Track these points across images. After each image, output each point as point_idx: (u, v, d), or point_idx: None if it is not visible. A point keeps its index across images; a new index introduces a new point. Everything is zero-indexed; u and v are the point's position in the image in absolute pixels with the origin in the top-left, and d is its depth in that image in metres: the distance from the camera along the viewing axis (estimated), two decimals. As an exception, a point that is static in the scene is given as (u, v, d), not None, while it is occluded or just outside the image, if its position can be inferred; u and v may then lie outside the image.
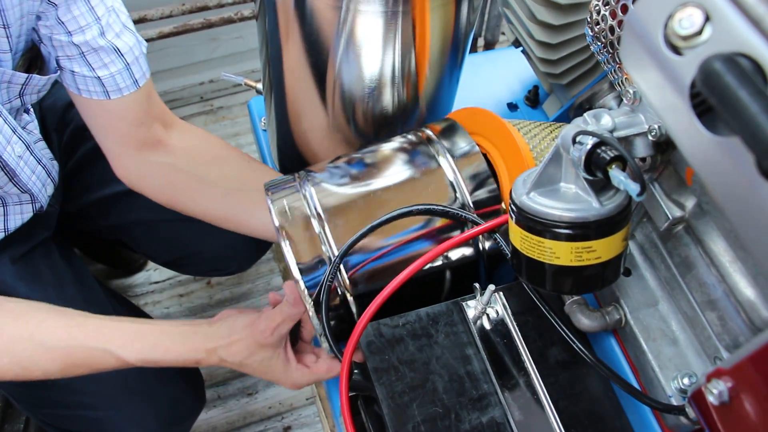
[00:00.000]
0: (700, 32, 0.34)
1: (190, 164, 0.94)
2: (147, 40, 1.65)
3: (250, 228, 0.95)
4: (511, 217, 0.59)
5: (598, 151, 0.51)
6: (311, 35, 0.81)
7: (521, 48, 1.16)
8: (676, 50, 0.35)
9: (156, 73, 1.90)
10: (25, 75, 0.79)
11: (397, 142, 0.82)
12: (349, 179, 0.77)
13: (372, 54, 0.80)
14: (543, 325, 0.72)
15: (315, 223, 0.73)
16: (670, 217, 0.60)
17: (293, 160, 1.03)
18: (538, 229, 0.55)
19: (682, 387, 0.63)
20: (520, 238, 0.58)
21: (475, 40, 1.91)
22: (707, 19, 0.34)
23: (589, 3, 0.91)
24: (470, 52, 0.97)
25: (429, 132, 0.81)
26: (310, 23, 0.79)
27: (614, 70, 0.71)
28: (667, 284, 0.66)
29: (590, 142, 0.51)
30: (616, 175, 0.49)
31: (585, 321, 0.67)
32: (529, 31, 1.00)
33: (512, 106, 1.24)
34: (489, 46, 1.81)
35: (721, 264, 0.58)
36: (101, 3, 0.77)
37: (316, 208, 0.74)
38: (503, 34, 1.94)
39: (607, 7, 0.67)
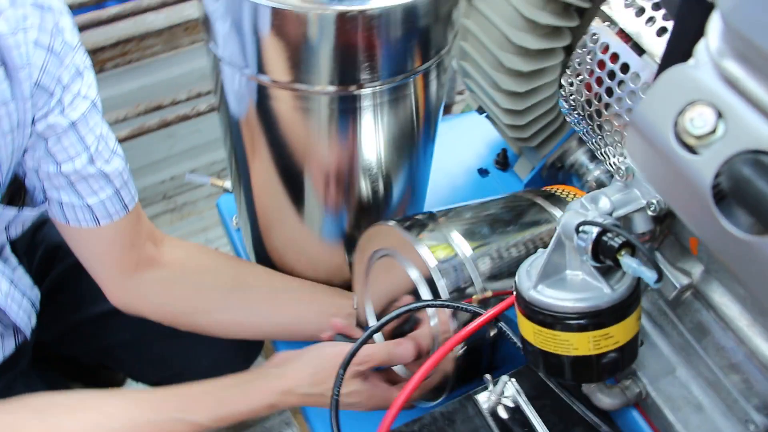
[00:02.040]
0: (713, 130, 0.33)
1: (185, 275, 0.92)
2: (103, 147, 1.65)
3: (249, 328, 0.93)
4: (520, 311, 0.57)
5: (605, 239, 0.49)
6: (278, 139, 0.79)
7: (486, 113, 1.17)
8: (690, 149, 0.34)
9: (115, 177, 1.87)
10: (15, 209, 0.76)
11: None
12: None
13: (348, 152, 0.79)
14: (561, 407, 0.69)
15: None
16: (678, 286, 0.59)
17: (273, 263, 1.01)
18: (552, 322, 0.54)
19: (718, 457, 0.60)
20: (532, 333, 0.56)
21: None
22: (719, 116, 0.33)
23: (554, 65, 0.93)
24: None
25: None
26: (276, 127, 0.78)
27: (595, 141, 0.71)
28: (681, 350, 0.65)
29: (595, 230, 0.50)
30: (628, 263, 0.48)
31: (606, 400, 0.64)
32: (494, 99, 1.00)
33: (483, 172, 1.23)
34: (447, 108, 1.82)
35: (738, 328, 0.57)
36: (91, 132, 0.75)
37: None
38: (459, 93, 1.95)
39: (579, 79, 0.67)
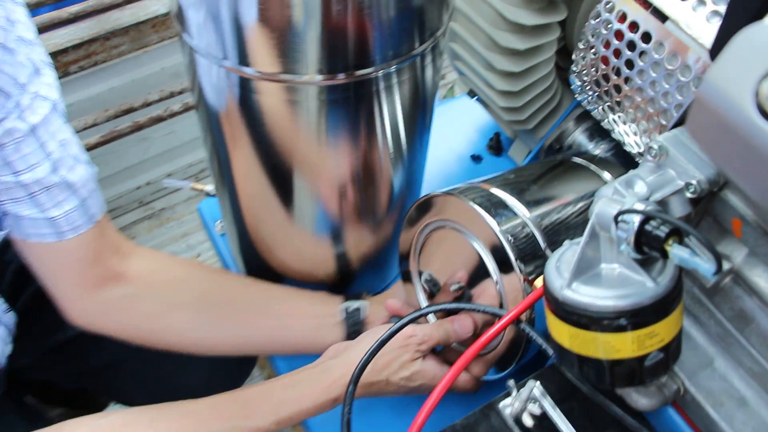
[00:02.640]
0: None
1: (153, 291, 0.84)
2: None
3: (225, 345, 0.87)
4: (552, 312, 0.51)
5: (649, 228, 0.44)
6: (263, 136, 0.73)
7: (477, 97, 1.11)
8: (775, 121, 0.29)
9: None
10: None
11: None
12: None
13: (341, 146, 0.73)
14: (591, 409, 0.64)
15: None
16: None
17: (263, 269, 0.95)
18: (591, 324, 0.48)
19: (769, 455, 0.56)
20: (568, 336, 0.50)
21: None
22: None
23: (550, 41, 0.87)
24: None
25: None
26: (261, 123, 0.71)
27: (612, 120, 0.65)
28: (720, 340, 0.60)
29: (637, 219, 0.44)
30: (680, 253, 0.42)
31: (643, 400, 0.59)
32: (488, 81, 0.94)
33: (476, 158, 1.18)
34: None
35: (789, 315, 0.52)
36: (52, 137, 0.67)
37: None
38: (442, 77, 1.90)
39: (593, 52, 0.61)
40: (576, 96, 0.68)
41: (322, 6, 0.60)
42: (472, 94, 1.11)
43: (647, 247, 0.44)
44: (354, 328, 0.85)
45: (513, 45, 0.86)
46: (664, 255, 0.43)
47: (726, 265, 0.54)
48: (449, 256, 0.79)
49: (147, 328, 0.85)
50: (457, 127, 1.23)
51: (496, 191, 0.77)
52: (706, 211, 0.53)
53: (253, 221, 0.88)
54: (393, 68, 0.68)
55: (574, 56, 0.64)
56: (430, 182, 1.07)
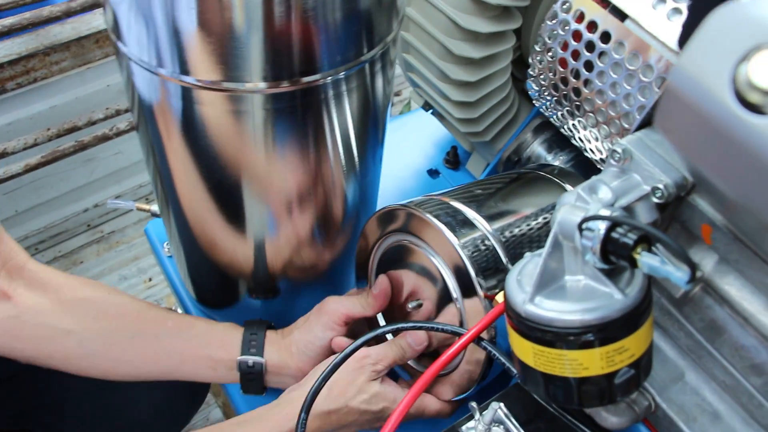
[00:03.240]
0: (790, 83, 0.25)
1: (37, 315, 0.78)
2: (11, 177, 1.49)
3: (114, 374, 0.80)
4: (514, 329, 0.48)
5: (615, 235, 0.41)
6: (206, 150, 0.68)
7: (432, 110, 1.08)
8: (755, 108, 0.26)
9: (30, 209, 1.71)
10: None
11: None
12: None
13: (289, 158, 0.69)
14: (558, 429, 0.61)
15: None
16: (688, 282, 0.51)
17: (218, 292, 0.90)
18: (556, 341, 0.45)
19: (744, 471, 0.53)
20: (532, 353, 0.47)
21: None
22: (796, 63, 0.25)
23: (506, 49, 0.85)
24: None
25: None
26: (204, 136, 0.67)
27: (571, 126, 0.62)
28: (691, 352, 0.57)
29: (603, 226, 0.41)
30: (650, 262, 0.39)
31: (613, 419, 0.56)
32: (443, 92, 0.91)
33: (433, 173, 1.15)
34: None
35: (762, 324, 0.49)
36: None
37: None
38: (396, 95, 1.88)
39: (550, 55, 0.59)
40: (534, 103, 0.65)
41: (264, 9, 0.56)
42: (427, 106, 1.08)
43: (614, 256, 0.41)
44: (251, 383, 0.79)
45: (468, 54, 0.84)
46: (633, 264, 0.40)
47: (696, 274, 0.51)
48: (406, 272, 0.75)
49: (31, 355, 0.78)
50: (413, 142, 1.20)
51: (455, 204, 0.74)
52: (674, 217, 0.50)
53: (200, 241, 0.83)
54: (341, 75, 0.64)
55: (530, 60, 0.61)
56: (386, 197, 1.03)
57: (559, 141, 0.96)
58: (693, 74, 0.28)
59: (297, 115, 0.66)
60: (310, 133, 0.68)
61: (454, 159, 1.15)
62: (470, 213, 0.72)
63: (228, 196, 0.74)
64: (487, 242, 0.69)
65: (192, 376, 0.79)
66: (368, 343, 0.62)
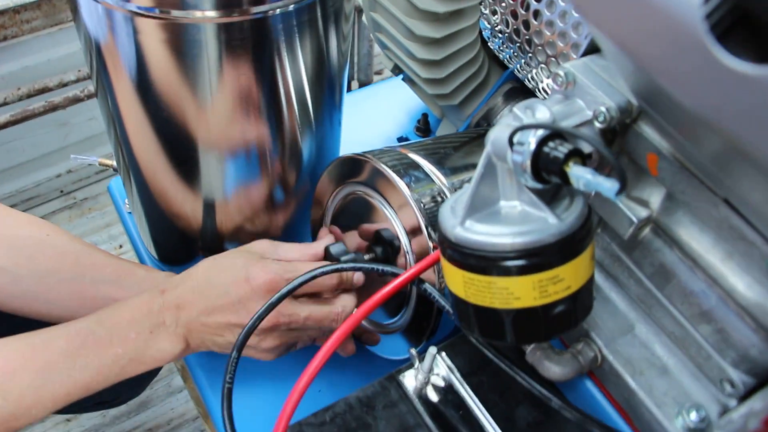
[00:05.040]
0: None
1: None
2: (-19, 134, 1.46)
3: (50, 315, 0.76)
4: (445, 257, 0.45)
5: (547, 149, 0.38)
6: (150, 85, 0.65)
7: (402, 75, 1.06)
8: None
9: (1, 172, 1.68)
10: None
11: None
12: None
13: (240, 99, 0.66)
14: (502, 382, 0.58)
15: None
16: (635, 221, 0.48)
17: (176, 248, 0.87)
18: (485, 266, 0.42)
19: (691, 426, 0.50)
20: (462, 283, 0.44)
21: (348, 82, 1.81)
22: None
23: (472, 5, 0.82)
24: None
25: None
26: (146, 70, 0.64)
27: (523, 64, 0.60)
28: (641, 302, 0.54)
29: (533, 139, 0.38)
30: (580, 174, 0.36)
31: (555, 369, 0.53)
32: (409, 51, 0.88)
33: (403, 140, 1.12)
34: (364, 86, 1.71)
35: (710, 265, 0.47)
36: None
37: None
38: (377, 73, 1.85)
39: (502, -11, 0.56)
40: (489, 44, 0.62)
41: None
42: (397, 70, 1.05)
43: (546, 173, 0.38)
44: None
45: (432, 8, 0.81)
46: (565, 179, 0.37)
47: (643, 213, 0.48)
48: (360, 224, 0.73)
49: None
50: (384, 110, 1.17)
51: (414, 156, 0.71)
52: (621, 149, 0.48)
53: (153, 193, 0.80)
54: (291, 7, 0.61)
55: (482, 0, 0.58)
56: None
57: (531, 107, 0.94)
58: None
59: (248, 50, 0.63)
60: (261, 72, 0.66)
61: (425, 126, 1.12)
62: (426, 165, 0.70)
63: (177, 141, 0.71)
64: (441, 195, 0.66)
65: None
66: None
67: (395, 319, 0.71)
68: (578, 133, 0.37)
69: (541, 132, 0.38)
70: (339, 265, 0.57)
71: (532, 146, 0.38)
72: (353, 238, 0.73)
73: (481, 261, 0.42)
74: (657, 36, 0.26)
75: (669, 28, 0.26)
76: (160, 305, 0.64)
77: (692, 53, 0.26)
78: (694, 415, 0.50)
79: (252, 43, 0.63)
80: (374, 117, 1.16)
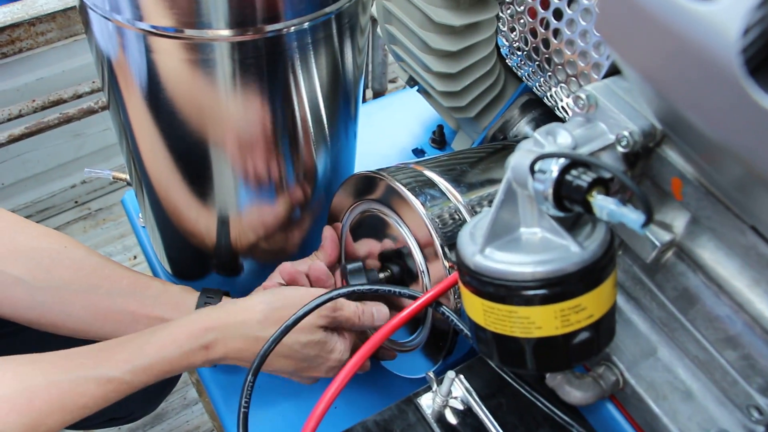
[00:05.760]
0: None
1: None
2: (-5, 147, 1.46)
3: (66, 328, 0.76)
4: (464, 285, 0.44)
5: (570, 177, 0.37)
6: (168, 106, 0.65)
7: (417, 87, 1.05)
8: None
9: (16, 183, 1.69)
10: None
11: None
12: None
13: (255, 115, 0.66)
14: (521, 405, 0.57)
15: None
16: (658, 245, 0.47)
17: (190, 264, 0.86)
18: (506, 295, 0.41)
19: (716, 453, 0.49)
20: (482, 311, 0.43)
21: (363, 92, 1.81)
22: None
23: (488, 18, 0.81)
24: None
25: None
26: (162, 89, 0.64)
27: (542, 82, 0.59)
28: (664, 325, 0.53)
29: (556, 167, 0.37)
30: (604, 204, 0.35)
31: (577, 393, 0.52)
32: (425, 64, 0.88)
33: (418, 152, 1.12)
34: (378, 96, 1.70)
35: (737, 291, 0.46)
36: None
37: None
38: (392, 81, 1.84)
39: (520, 7, 0.55)
40: (506, 60, 0.62)
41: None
42: (412, 82, 1.05)
43: (569, 201, 0.38)
44: None
45: (449, 21, 0.80)
46: (588, 209, 0.37)
47: (666, 237, 0.47)
48: (375, 242, 0.72)
49: None
50: (399, 121, 1.17)
51: (429, 173, 0.70)
52: (644, 173, 0.47)
53: (166, 208, 0.79)
54: (306, 25, 0.61)
55: (500, 13, 0.57)
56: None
57: (547, 119, 0.92)
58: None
59: (262, 69, 0.63)
60: (276, 89, 0.65)
61: (440, 138, 1.12)
62: (442, 182, 0.69)
63: (190, 159, 0.71)
64: (457, 214, 0.65)
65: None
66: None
67: (412, 337, 0.70)
68: (601, 164, 0.36)
69: (563, 160, 0.37)
70: (355, 287, 0.56)
71: (555, 174, 0.37)
72: (368, 256, 0.73)
73: (501, 290, 0.41)
74: (687, 67, 0.26)
75: (701, 60, 0.25)
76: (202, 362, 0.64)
77: (724, 88, 0.25)
78: (719, 442, 0.49)
79: (266, 62, 0.62)
80: (389, 128, 1.15)
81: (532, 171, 0.38)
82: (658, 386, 0.53)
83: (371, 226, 0.72)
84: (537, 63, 0.56)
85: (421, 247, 0.65)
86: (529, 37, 0.55)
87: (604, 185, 0.37)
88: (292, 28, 0.60)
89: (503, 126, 0.98)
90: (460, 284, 0.45)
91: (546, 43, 0.53)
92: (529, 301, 0.40)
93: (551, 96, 0.59)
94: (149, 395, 1.00)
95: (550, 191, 0.38)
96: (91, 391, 0.61)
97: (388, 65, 1.75)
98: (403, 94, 1.21)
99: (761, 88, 0.23)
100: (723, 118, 0.27)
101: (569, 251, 0.40)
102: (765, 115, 0.24)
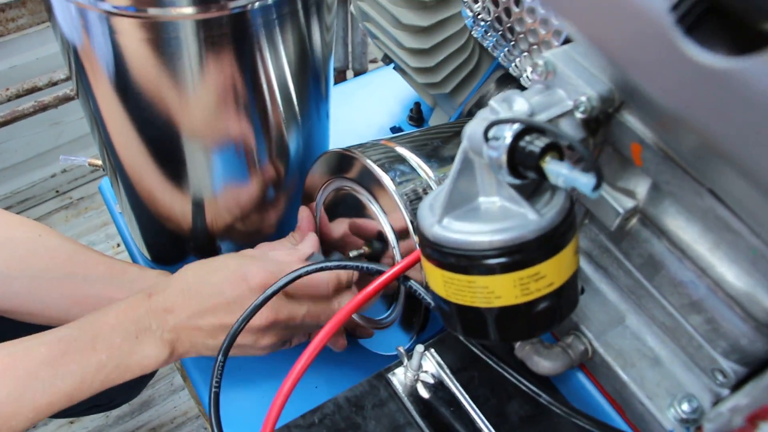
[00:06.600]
0: None
1: None
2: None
3: (44, 317, 0.76)
4: (424, 256, 0.44)
5: (523, 143, 0.37)
6: (131, 87, 0.64)
7: (393, 64, 1.04)
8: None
9: (-5, 173, 1.68)
10: None
11: None
12: None
13: (222, 96, 0.65)
14: (493, 377, 0.57)
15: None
16: (621, 211, 0.47)
17: (168, 249, 0.86)
18: (464, 265, 0.41)
19: (683, 416, 0.49)
20: (443, 282, 0.43)
21: (343, 72, 1.79)
22: None
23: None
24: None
25: None
26: (125, 70, 0.63)
27: (507, 52, 0.58)
28: (631, 293, 0.53)
29: (509, 133, 0.37)
30: (556, 169, 0.35)
31: (545, 363, 0.52)
32: (398, 40, 0.87)
33: (396, 130, 1.11)
34: (359, 75, 1.69)
35: (698, 255, 0.45)
36: None
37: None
38: (372, 62, 1.83)
39: (482, -24, 0.55)
40: (473, 34, 0.61)
41: None
42: (387, 60, 1.04)
43: (523, 168, 0.37)
44: None
45: (419, -4, 0.80)
46: (541, 174, 0.36)
47: (629, 203, 0.47)
48: (348, 221, 0.72)
49: None
50: (377, 100, 1.16)
51: (400, 149, 0.70)
52: (606, 139, 0.46)
53: (139, 193, 0.79)
54: (270, 0, 0.60)
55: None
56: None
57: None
58: None
59: (228, 47, 0.62)
60: (243, 67, 0.64)
61: (417, 116, 1.11)
62: (414, 159, 0.69)
63: (161, 142, 0.70)
64: (428, 189, 0.65)
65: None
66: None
67: (387, 313, 0.70)
68: (554, 129, 0.36)
69: (517, 126, 0.37)
70: (324, 264, 0.56)
71: (508, 141, 0.37)
72: (344, 234, 0.72)
73: (459, 260, 0.41)
74: (624, 28, 0.25)
75: (635, 19, 0.25)
76: (147, 309, 0.64)
77: (659, 46, 0.25)
78: (686, 406, 0.49)
79: (232, 39, 0.62)
80: (367, 107, 1.15)
81: (486, 138, 0.38)
82: (626, 354, 0.53)
83: (345, 204, 0.72)
84: (500, 33, 0.56)
85: (392, 224, 0.64)
86: (492, 7, 0.55)
87: (558, 151, 0.37)
88: (257, 4, 0.59)
89: (479, 101, 0.97)
90: (422, 257, 0.45)
91: (508, 11, 0.53)
92: (487, 271, 0.40)
93: (516, 66, 0.58)
94: (131, 381, 0.99)
95: (504, 158, 0.37)
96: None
97: (367, 45, 1.74)
98: (381, 72, 1.20)
99: (698, 44, 0.23)
100: (663, 78, 0.26)
101: (527, 219, 0.40)
102: (702, 71, 0.24)
